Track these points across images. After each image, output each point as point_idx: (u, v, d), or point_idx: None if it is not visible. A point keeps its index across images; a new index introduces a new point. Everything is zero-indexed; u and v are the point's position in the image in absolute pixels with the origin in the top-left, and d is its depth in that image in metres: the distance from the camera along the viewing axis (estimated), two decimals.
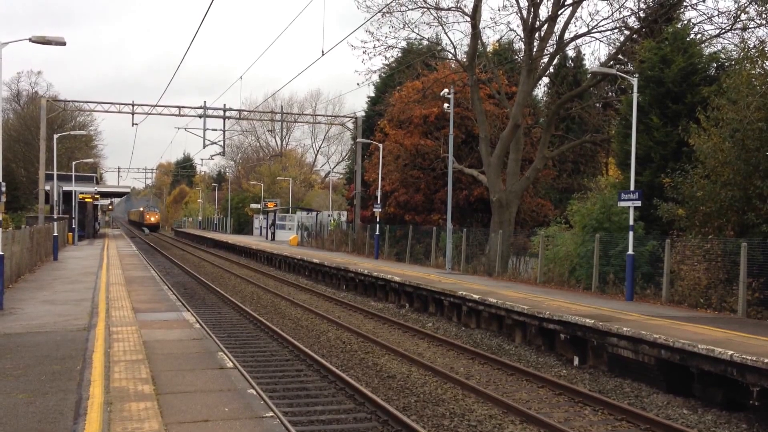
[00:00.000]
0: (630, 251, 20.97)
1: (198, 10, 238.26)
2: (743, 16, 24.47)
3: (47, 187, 48.99)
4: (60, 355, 12.06)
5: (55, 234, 36.83)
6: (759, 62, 20.30)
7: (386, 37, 33.36)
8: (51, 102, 53.17)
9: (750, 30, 24.01)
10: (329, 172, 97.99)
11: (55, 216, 44.04)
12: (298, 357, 16.55)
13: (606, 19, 31.77)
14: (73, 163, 55.27)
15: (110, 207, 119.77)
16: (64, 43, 24.75)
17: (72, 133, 57.02)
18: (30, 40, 24.35)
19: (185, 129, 54.66)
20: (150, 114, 50.50)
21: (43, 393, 9.61)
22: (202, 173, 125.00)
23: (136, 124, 50.78)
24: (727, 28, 25.70)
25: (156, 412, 8.68)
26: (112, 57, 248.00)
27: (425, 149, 40.67)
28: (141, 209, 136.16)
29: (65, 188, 52.80)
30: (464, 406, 12.52)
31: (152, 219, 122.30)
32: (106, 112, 50.64)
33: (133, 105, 49.59)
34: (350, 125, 57.47)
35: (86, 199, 59.42)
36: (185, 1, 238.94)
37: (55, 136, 44.43)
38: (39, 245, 32.42)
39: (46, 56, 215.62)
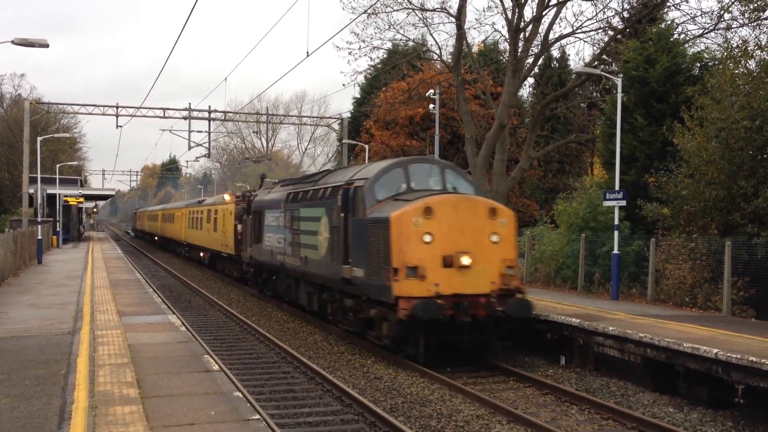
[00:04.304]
0: (615, 250, 21.05)
1: (195, 14, 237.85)
2: (726, 16, 24.64)
3: (31, 190, 48.62)
4: (44, 359, 11.95)
5: (40, 237, 36.55)
6: (742, 61, 20.42)
7: (372, 38, 33.37)
8: (34, 104, 52.78)
9: (733, 30, 24.19)
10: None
11: (39, 219, 43.77)
12: (285, 359, 16.49)
13: (590, 19, 31.85)
14: (57, 165, 54.88)
15: (95, 210, 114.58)
16: (46, 45, 24.63)
17: (56, 135, 56.63)
18: (13, 42, 24.24)
19: (170, 131, 54.36)
20: (134, 116, 50.25)
21: (27, 397, 9.52)
22: (188, 175, 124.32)
23: (121, 126, 50.44)
24: (711, 27, 25.89)
25: (141, 416, 8.62)
26: (111, 62, 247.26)
27: (411, 150, 40.69)
28: (195, 209, 44.94)
29: (49, 191, 52.42)
30: (451, 407, 12.51)
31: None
32: (90, 114, 50.35)
33: (117, 107, 49.33)
34: (336, 126, 57.42)
35: (71, 202, 59.05)
36: (184, 4, 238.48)
37: (39, 139, 44.12)
38: (23, 249, 32.17)
39: (45, 61, 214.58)
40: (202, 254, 42.54)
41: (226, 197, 36.02)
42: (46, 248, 40.04)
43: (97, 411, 8.81)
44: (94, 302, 19.53)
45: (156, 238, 68.27)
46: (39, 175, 46.11)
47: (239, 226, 30.68)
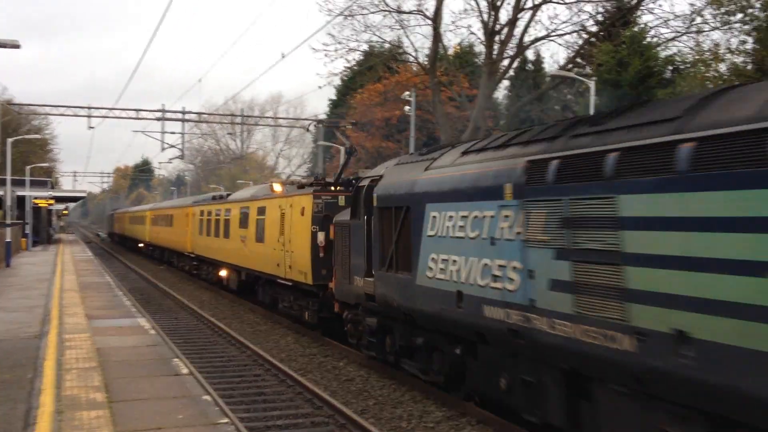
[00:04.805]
0: None
1: (170, 15, 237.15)
2: (698, 19, 24.91)
3: (0, 192, 48.00)
4: (10, 363, 11.74)
5: (8, 240, 36.02)
6: (713, 65, 20.67)
7: (348, 39, 33.37)
8: (6, 106, 52.12)
9: (705, 33, 24.44)
10: (290, 175, 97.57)
11: (8, 221, 43.13)
12: (256, 361, 16.36)
13: (565, 22, 32.10)
14: (28, 167, 54.23)
15: (65, 212, 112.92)
16: (18, 46, 24.38)
17: (26, 137, 55.99)
18: None
19: (143, 132, 53.98)
20: (107, 117, 49.68)
21: None
22: (161, 177, 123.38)
23: (92, 128, 49.86)
24: (683, 31, 26.14)
25: (108, 421, 8.49)
26: (90, 65, 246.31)
27: (387, 152, 40.72)
28: (214, 207, 30.87)
29: (19, 193, 51.77)
30: (422, 408, 12.46)
31: None
32: (62, 115, 49.61)
33: (89, 108, 48.73)
34: (312, 129, 57.28)
35: (40, 204, 58.34)
36: (158, 5, 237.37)
37: (9, 140, 43.57)
38: None
39: (18, 63, 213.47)
40: (225, 274, 29.01)
41: (277, 187, 21.52)
42: (14, 251, 39.50)
43: (63, 416, 8.66)
44: (62, 305, 19.28)
45: (141, 245, 56.70)
46: (8, 177, 45.54)
47: (321, 236, 18.10)
